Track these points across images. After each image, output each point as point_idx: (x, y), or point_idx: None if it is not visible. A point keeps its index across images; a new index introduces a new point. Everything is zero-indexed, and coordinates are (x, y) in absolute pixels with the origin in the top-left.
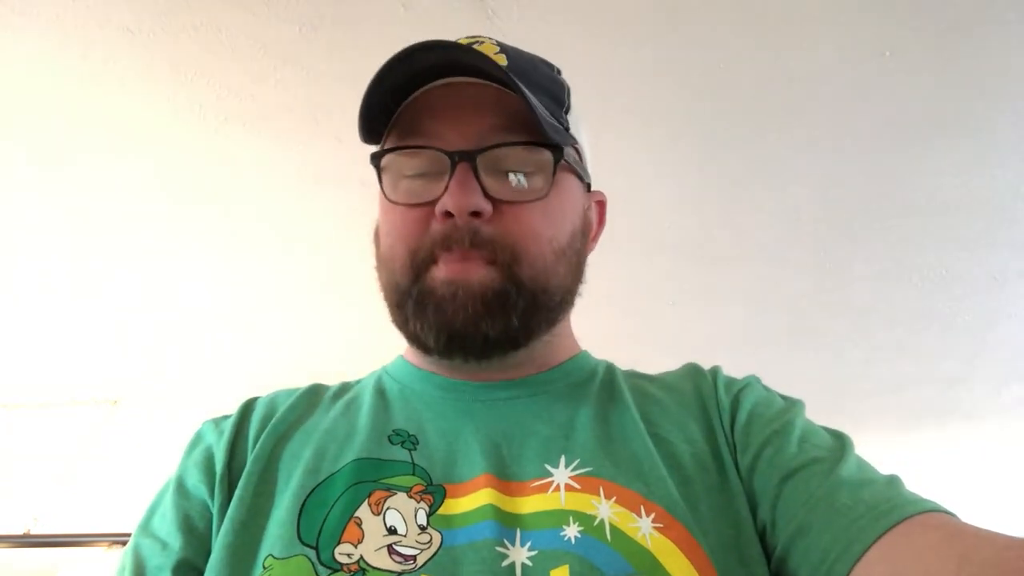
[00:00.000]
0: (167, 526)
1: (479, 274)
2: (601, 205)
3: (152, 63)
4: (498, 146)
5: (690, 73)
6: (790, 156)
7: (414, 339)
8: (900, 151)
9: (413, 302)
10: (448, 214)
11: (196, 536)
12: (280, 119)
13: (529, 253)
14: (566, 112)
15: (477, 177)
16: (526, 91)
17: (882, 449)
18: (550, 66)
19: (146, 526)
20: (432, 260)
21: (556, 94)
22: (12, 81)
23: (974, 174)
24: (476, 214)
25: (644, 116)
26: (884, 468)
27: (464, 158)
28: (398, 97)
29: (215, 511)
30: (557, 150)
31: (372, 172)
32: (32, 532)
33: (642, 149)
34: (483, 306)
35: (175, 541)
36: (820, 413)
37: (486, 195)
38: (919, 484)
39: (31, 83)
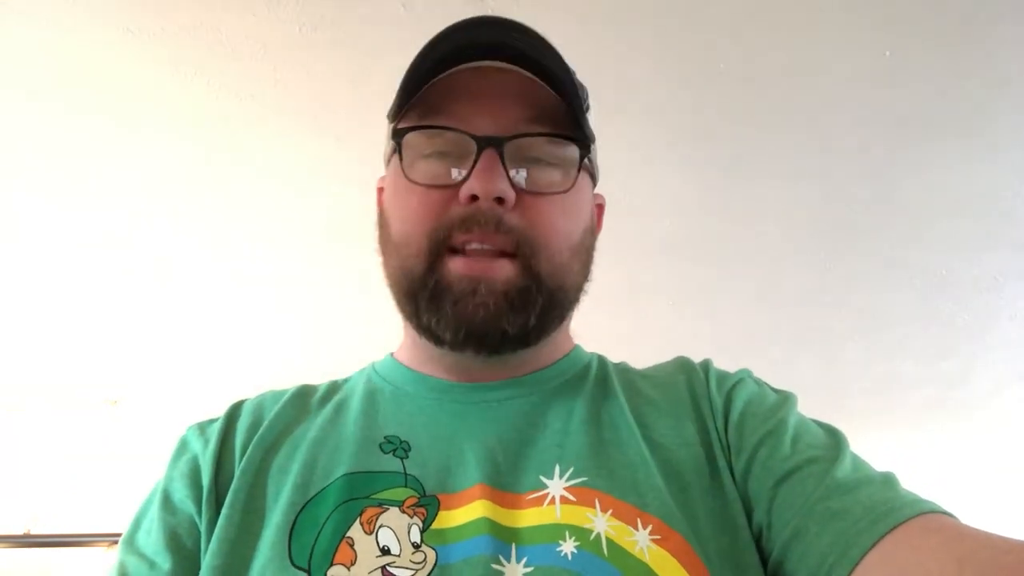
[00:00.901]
0: (154, 543)
1: (504, 272)
2: (600, 208)
3: (152, 63)
4: (526, 135)
5: (691, 73)
6: (790, 156)
7: (426, 331)
8: (900, 151)
9: (428, 293)
10: (473, 197)
11: (184, 555)
12: (280, 119)
13: (549, 247)
14: (586, 111)
15: (503, 164)
16: (570, 86)
17: (882, 449)
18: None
19: (131, 541)
20: (449, 244)
21: (581, 95)
22: (11, 81)
23: (974, 174)
24: (500, 201)
25: (644, 115)
26: (883, 468)
27: (491, 144)
28: (421, 77)
29: (203, 528)
30: (584, 146)
31: (371, 172)
32: (32, 532)
33: (642, 148)
34: (507, 303)
35: (163, 561)
36: (820, 413)
37: (511, 184)
38: (918, 484)
39: (31, 83)
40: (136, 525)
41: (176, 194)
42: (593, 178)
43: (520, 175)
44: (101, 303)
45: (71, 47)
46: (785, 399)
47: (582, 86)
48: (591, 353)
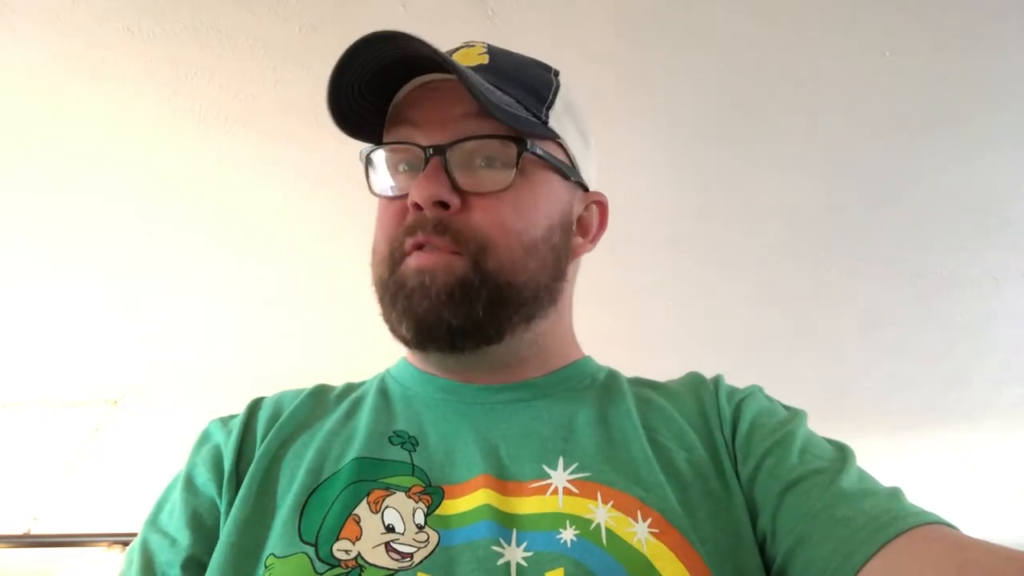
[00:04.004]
0: (176, 522)
1: (450, 265)
2: (601, 206)
3: (152, 63)
4: (468, 139)
5: (691, 73)
6: (791, 157)
7: (393, 331)
8: (900, 151)
9: (390, 294)
10: (417, 206)
11: (204, 533)
12: (280, 119)
13: (496, 245)
14: (547, 108)
15: (448, 170)
16: (470, 76)
17: (882, 449)
18: (546, 68)
19: (154, 521)
20: (404, 250)
21: (537, 90)
22: (12, 80)
23: (974, 174)
24: (443, 206)
25: (644, 115)
26: (884, 468)
27: (436, 152)
28: (388, 94)
29: (222, 508)
30: (520, 141)
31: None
32: (32, 532)
33: (642, 148)
34: (446, 295)
35: (184, 538)
36: (820, 413)
37: (456, 188)
38: (919, 484)
39: (31, 82)
40: (159, 507)
41: (175, 193)
42: (563, 173)
43: (466, 178)
44: (101, 302)
45: (71, 47)
46: (795, 414)
47: (548, 83)
48: (603, 366)
